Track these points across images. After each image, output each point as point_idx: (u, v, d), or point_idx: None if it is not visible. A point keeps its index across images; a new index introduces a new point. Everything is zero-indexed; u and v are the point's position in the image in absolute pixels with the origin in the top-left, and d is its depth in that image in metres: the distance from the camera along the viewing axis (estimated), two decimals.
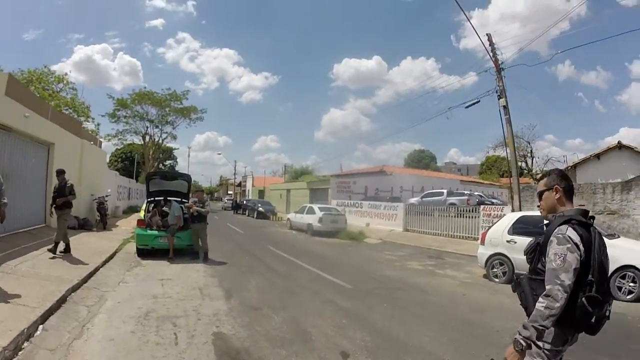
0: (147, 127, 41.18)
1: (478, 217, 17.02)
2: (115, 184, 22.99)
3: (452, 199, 25.99)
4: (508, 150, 17.21)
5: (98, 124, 34.61)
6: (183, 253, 10.75)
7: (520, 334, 2.05)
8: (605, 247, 2.20)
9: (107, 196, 16.46)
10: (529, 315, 2.14)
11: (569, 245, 2.05)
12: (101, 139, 30.05)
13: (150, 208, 11.63)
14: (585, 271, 2.07)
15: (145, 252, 10.39)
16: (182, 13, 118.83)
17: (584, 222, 2.15)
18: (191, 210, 10.35)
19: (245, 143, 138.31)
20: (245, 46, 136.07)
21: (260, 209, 32.22)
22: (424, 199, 28.00)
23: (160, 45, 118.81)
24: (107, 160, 32.05)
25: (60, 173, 9.30)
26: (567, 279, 2.00)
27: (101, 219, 15.28)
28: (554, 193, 2.32)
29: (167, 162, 61.27)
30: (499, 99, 16.81)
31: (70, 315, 5.37)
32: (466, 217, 18.20)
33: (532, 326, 2.02)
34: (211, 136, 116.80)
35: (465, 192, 29.97)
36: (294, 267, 10.56)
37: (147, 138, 41.66)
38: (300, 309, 6.37)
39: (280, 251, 13.37)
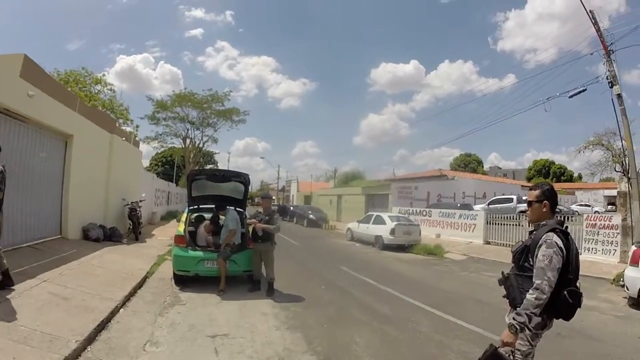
0: (188, 130, 39.14)
1: (579, 227, 13.99)
2: (153, 187, 20.39)
3: (523, 206, 22.19)
4: (624, 147, 14.29)
5: (137, 126, 32.74)
6: (236, 281, 7.68)
7: (515, 320, 2.51)
8: (577, 251, 2.73)
9: (141, 201, 13.72)
10: (513, 305, 2.72)
11: (555, 249, 2.56)
12: (139, 140, 28.01)
13: (193, 219, 8.63)
14: (565, 270, 2.58)
15: (185, 279, 7.39)
16: (220, 22, 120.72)
17: (564, 231, 2.70)
18: (254, 227, 7.25)
19: (284, 149, 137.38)
20: (283, 53, 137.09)
21: (312, 216, 29.00)
22: (490, 205, 24.49)
23: (200, 54, 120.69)
24: (147, 164, 30.03)
25: None
26: (552, 276, 2.51)
27: (133, 228, 12.51)
28: (542, 207, 2.83)
29: (208, 166, 59.58)
30: (611, 87, 13.82)
31: None
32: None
33: (525, 313, 2.49)
34: (250, 142, 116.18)
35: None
36: (398, 305, 7.25)
37: (188, 141, 39.59)
38: None
39: (360, 274, 10.11)
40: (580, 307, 2.64)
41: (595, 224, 13.49)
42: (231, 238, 7.38)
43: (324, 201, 39.22)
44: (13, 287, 5.14)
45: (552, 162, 70.54)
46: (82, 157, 10.24)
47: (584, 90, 15.02)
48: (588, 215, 14.28)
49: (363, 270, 10.78)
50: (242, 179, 8.45)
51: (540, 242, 2.62)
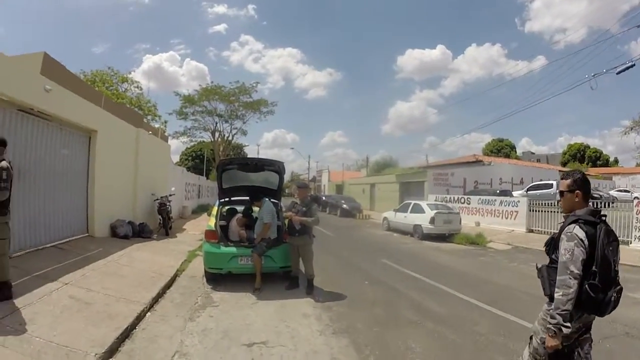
0: (216, 123, 38.94)
1: (629, 214, 13.30)
2: (183, 181, 20.10)
3: None
4: None
5: (165, 122, 32.82)
6: (273, 278, 7.06)
7: (550, 324, 2.46)
8: (613, 240, 2.51)
9: (171, 195, 13.35)
10: (546, 294, 2.68)
11: (575, 241, 2.46)
12: (168, 135, 27.97)
13: (225, 212, 8.03)
14: (590, 263, 2.44)
15: (217, 277, 6.83)
16: (243, 17, 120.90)
17: (590, 221, 2.53)
18: (291, 220, 6.58)
19: (312, 139, 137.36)
20: (308, 44, 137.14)
21: (345, 206, 28.11)
22: (529, 192, 23.57)
23: (225, 49, 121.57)
24: (177, 159, 29.89)
25: None
26: (576, 268, 2.42)
27: (163, 223, 12.13)
28: (575, 196, 2.71)
29: None
30: None
31: None
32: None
33: (558, 314, 2.43)
34: (279, 133, 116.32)
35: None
36: (450, 302, 6.48)
37: (217, 134, 39.42)
38: None
39: (403, 267, 9.38)
40: (617, 302, 2.49)
41: None
42: (266, 232, 6.74)
43: (357, 190, 38.28)
44: (12, 299, 4.55)
45: (587, 146, 67.83)
46: (107, 153, 9.85)
47: (632, 66, 14.04)
48: (639, 201, 13.05)
49: (405, 262, 10.04)
50: (277, 167, 7.67)
51: (562, 235, 2.57)
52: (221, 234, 7.08)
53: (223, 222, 7.66)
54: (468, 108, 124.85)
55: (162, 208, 12.19)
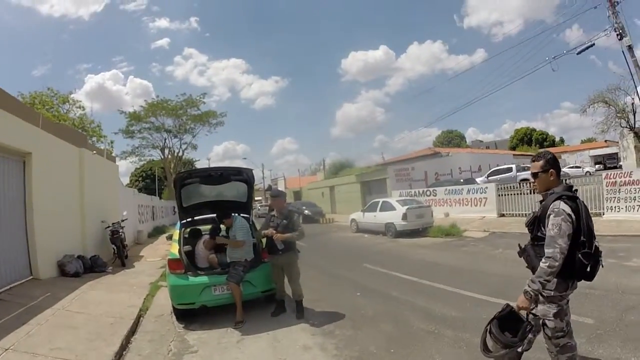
0: (165, 139, 37.26)
1: (599, 187, 13.56)
2: (135, 203, 18.51)
3: (524, 174, 22.07)
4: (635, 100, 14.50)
5: (111, 142, 30.88)
6: (253, 305, 6.12)
7: (529, 287, 2.63)
8: (588, 212, 2.74)
9: (123, 221, 12.03)
10: (532, 272, 2.76)
11: (563, 216, 2.59)
12: (115, 156, 26.15)
13: (187, 235, 6.85)
14: (577, 234, 2.62)
15: (188, 313, 5.80)
16: (185, 30, 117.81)
17: (571, 196, 2.71)
18: (273, 238, 5.58)
19: (263, 148, 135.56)
20: (252, 53, 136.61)
21: (307, 212, 27.32)
22: (489, 177, 24.06)
23: (169, 64, 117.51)
24: (127, 181, 27.91)
25: None
26: (563, 242, 2.56)
27: (118, 252, 10.85)
28: (550, 175, 2.84)
29: None
30: (620, 39, 13.67)
31: None
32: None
33: (539, 281, 2.60)
34: (229, 146, 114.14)
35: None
36: (459, 302, 5.85)
37: (167, 151, 37.68)
38: None
39: (389, 269, 8.81)
40: (601, 266, 2.71)
41: (616, 181, 12.94)
42: (239, 245, 5.79)
43: (315, 195, 37.60)
44: None
45: (533, 129, 71.32)
46: (45, 179, 8.53)
47: (592, 45, 14.82)
48: (608, 174, 13.59)
49: (389, 264, 9.45)
50: (244, 176, 6.70)
51: (548, 212, 2.68)
52: (187, 262, 6.02)
53: (188, 247, 6.59)
54: (414, 104, 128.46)
55: (115, 236, 10.90)
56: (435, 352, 4.15)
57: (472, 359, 3.82)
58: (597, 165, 36.53)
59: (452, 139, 75.19)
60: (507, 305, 2.79)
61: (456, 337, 4.52)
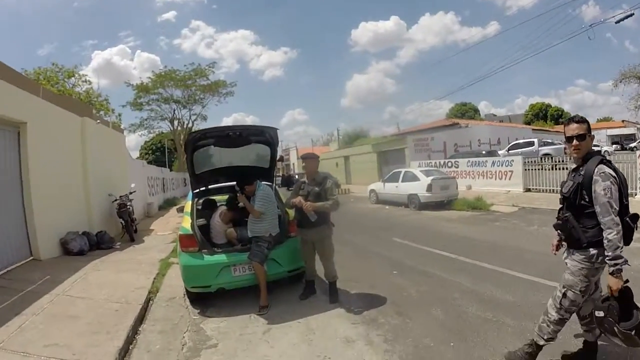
0: (174, 110, 36.34)
1: (632, 165, 12.71)
2: (144, 175, 17.73)
3: (546, 149, 21.33)
4: None
5: (119, 114, 30.16)
6: (277, 287, 5.30)
7: (617, 265, 2.38)
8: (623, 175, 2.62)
9: (131, 193, 11.27)
10: (576, 245, 2.65)
11: (611, 180, 2.48)
12: (124, 128, 25.40)
13: (201, 207, 6.03)
14: (620, 197, 2.51)
15: (205, 297, 5.03)
16: (192, 2, 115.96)
17: (608, 160, 2.63)
18: (303, 208, 4.64)
19: (273, 120, 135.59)
20: (260, 24, 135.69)
21: None
22: (510, 151, 23.08)
23: (176, 37, 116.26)
24: (137, 155, 27.04)
25: None
26: (617, 205, 2.45)
27: (126, 227, 10.14)
28: (591, 139, 2.72)
29: None
30: None
31: None
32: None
33: (617, 254, 2.38)
34: (238, 118, 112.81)
35: (556, 141, 24.81)
36: (509, 284, 5.07)
37: (176, 122, 36.82)
38: None
39: (421, 244, 8.03)
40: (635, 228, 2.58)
41: None
42: (256, 214, 4.86)
43: (329, 165, 36.41)
44: None
45: (549, 105, 69.89)
46: (44, 150, 7.73)
47: (631, 15, 14.96)
48: None
49: (419, 238, 8.65)
50: (267, 136, 5.61)
51: (595, 177, 2.53)
52: (201, 238, 5.13)
53: (202, 221, 5.75)
54: (425, 76, 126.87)
55: (123, 210, 10.17)
56: (501, 345, 3.39)
57: (548, 353, 3.05)
58: (614, 145, 35.18)
59: (466, 112, 73.42)
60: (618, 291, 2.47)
61: (521, 327, 3.76)
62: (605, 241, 2.43)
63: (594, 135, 2.77)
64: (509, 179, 16.67)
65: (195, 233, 5.02)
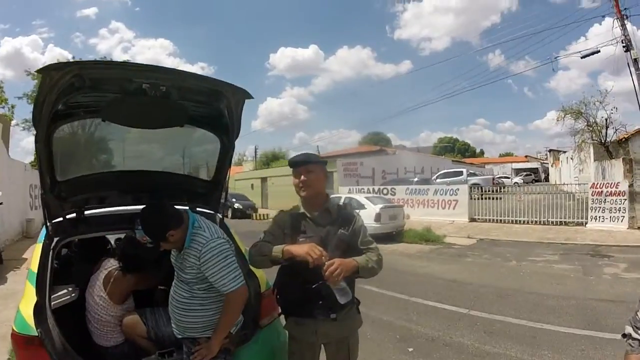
0: None
1: (585, 196, 13.49)
2: (24, 182, 13.67)
3: (475, 179, 22.17)
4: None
5: (12, 106, 25.96)
6: None
7: None
8: None
9: None
10: None
11: None
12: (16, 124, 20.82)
13: (68, 262, 2.96)
14: None
15: None
16: (116, 1, 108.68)
17: None
18: (326, 274, 1.81)
19: None
20: (180, 36, 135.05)
21: (238, 205, 23.71)
22: (438, 179, 23.00)
23: (93, 36, 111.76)
24: (33, 158, 21.25)
25: None
26: None
27: None
28: None
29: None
30: (626, 52, 14.13)
31: None
32: (540, 197, 15.24)
33: None
34: None
35: (478, 172, 27.52)
36: (524, 336, 3.50)
37: None
38: None
39: (393, 292, 6.34)
40: None
41: (602, 191, 12.81)
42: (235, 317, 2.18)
43: (243, 186, 33.65)
44: None
45: (457, 139, 77.13)
46: None
47: (597, 52, 15.19)
48: (594, 183, 13.37)
49: (393, 284, 6.70)
50: (225, 110, 2.39)
51: None
52: (62, 346, 2.10)
53: (69, 294, 2.66)
54: (337, 106, 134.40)
55: None
56: None
57: None
58: (517, 178, 39.35)
59: (379, 141, 76.08)
60: None
61: None
62: None
63: None
64: (453, 208, 16.05)
65: (43, 337, 2.00)
